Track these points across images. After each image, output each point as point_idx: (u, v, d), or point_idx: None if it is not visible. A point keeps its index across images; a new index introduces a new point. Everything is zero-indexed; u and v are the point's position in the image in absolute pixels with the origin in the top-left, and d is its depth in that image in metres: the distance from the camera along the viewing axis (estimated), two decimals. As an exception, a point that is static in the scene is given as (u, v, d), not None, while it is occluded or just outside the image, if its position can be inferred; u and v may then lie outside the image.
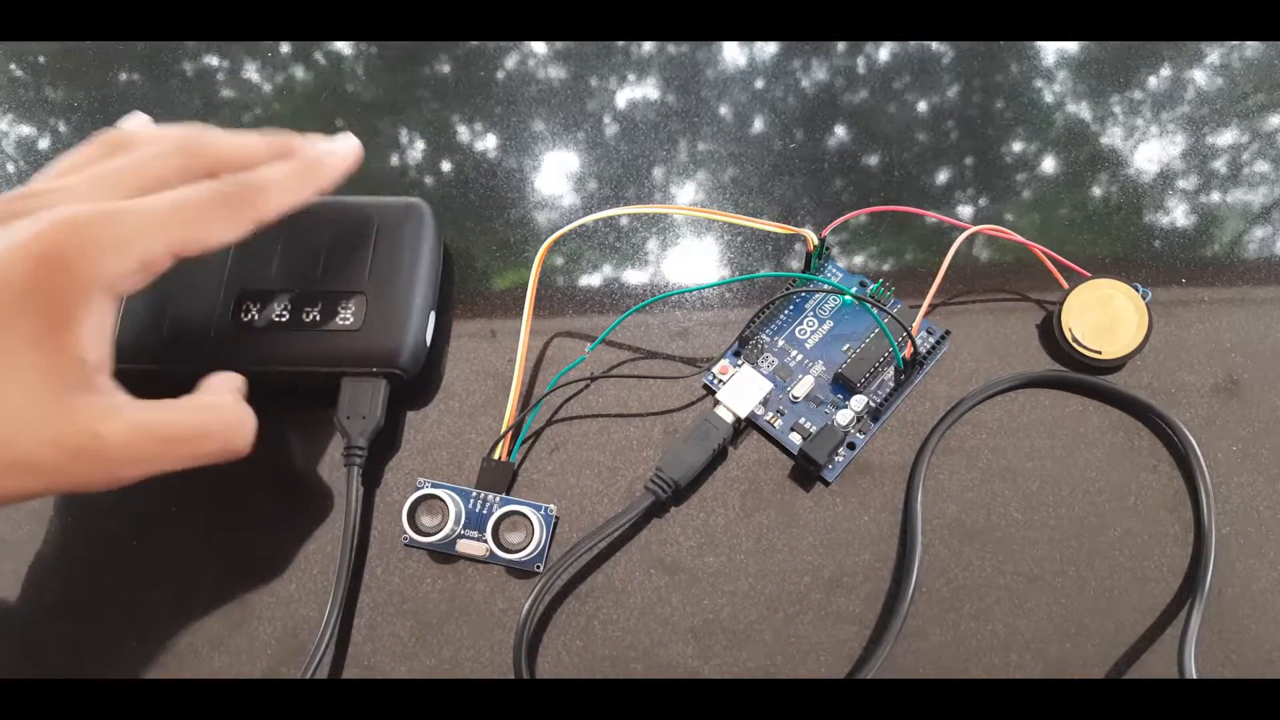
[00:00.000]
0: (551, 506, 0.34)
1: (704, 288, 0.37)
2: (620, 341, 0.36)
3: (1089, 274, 0.35)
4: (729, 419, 0.33)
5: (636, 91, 0.42)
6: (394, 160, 0.41)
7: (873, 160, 0.40)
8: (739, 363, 0.35)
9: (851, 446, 0.34)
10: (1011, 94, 0.41)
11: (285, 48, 0.43)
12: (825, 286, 0.36)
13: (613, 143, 0.41)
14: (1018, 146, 0.40)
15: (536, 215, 0.39)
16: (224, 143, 0.30)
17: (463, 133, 0.41)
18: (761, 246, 0.38)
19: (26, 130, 0.42)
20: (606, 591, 0.33)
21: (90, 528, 0.34)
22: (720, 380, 0.35)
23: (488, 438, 0.35)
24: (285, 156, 0.31)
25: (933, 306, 0.36)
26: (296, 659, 0.32)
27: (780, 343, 0.36)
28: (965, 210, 0.39)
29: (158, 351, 0.33)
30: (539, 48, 0.43)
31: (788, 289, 0.35)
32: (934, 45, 0.42)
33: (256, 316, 0.34)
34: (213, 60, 0.43)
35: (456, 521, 0.33)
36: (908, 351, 0.34)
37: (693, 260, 0.38)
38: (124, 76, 0.43)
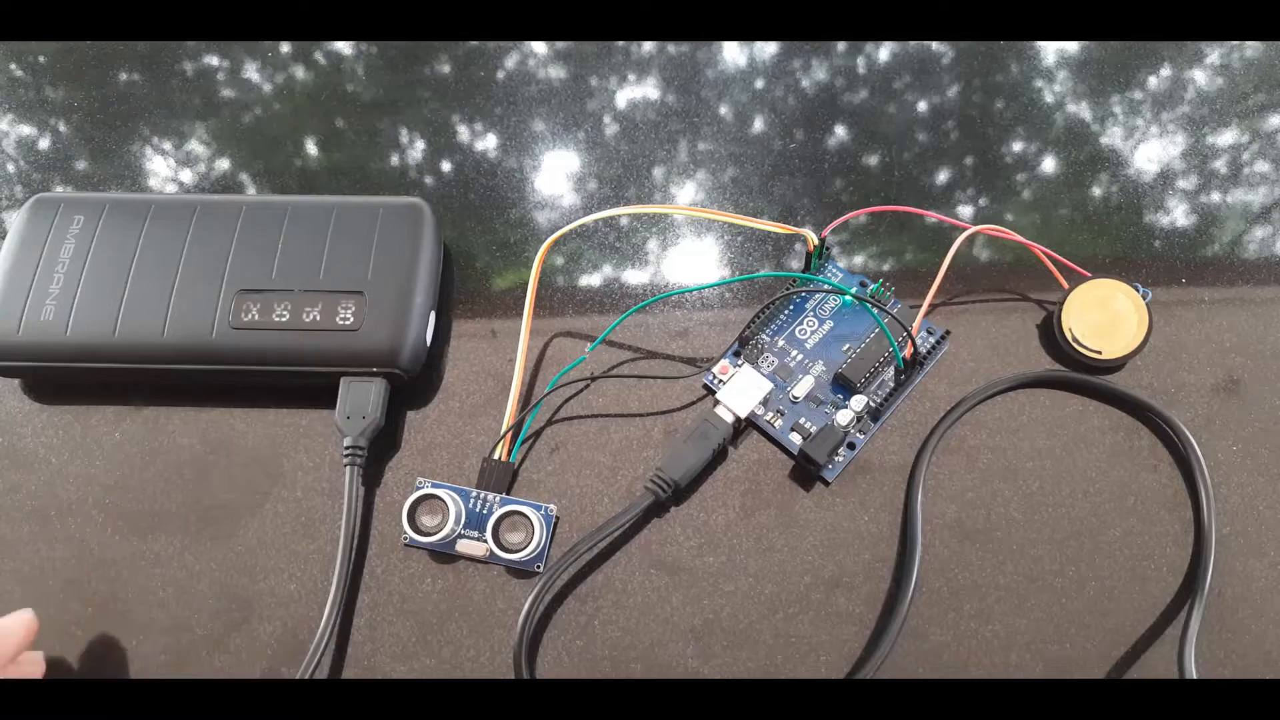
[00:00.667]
0: (551, 506, 0.34)
1: (704, 288, 0.37)
2: (620, 341, 0.36)
3: (1089, 274, 0.35)
4: (729, 419, 0.33)
5: (636, 91, 0.42)
6: (394, 160, 0.41)
7: (873, 160, 0.40)
8: (739, 363, 0.35)
9: (851, 446, 0.34)
10: (1011, 94, 0.41)
11: (285, 48, 0.43)
12: (825, 286, 0.36)
13: (613, 143, 0.41)
14: (1018, 146, 0.40)
15: (536, 215, 0.39)
16: None
17: (463, 133, 0.41)
18: (761, 246, 0.38)
19: (26, 130, 0.42)
20: (606, 591, 0.33)
21: (90, 528, 0.34)
22: (720, 380, 0.35)
23: (488, 438, 0.35)
24: None
25: (933, 306, 0.36)
26: (296, 659, 0.32)
27: (780, 343, 0.36)
28: (965, 210, 0.39)
29: (158, 351, 0.33)
30: (539, 48, 0.43)
31: (788, 289, 0.35)
32: (934, 45, 0.42)
33: (256, 316, 0.34)
34: (213, 60, 0.43)
35: (456, 521, 0.33)
36: (908, 351, 0.34)
37: (693, 260, 0.38)
38: (124, 76, 0.43)
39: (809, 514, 0.34)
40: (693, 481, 0.34)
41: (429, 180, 0.40)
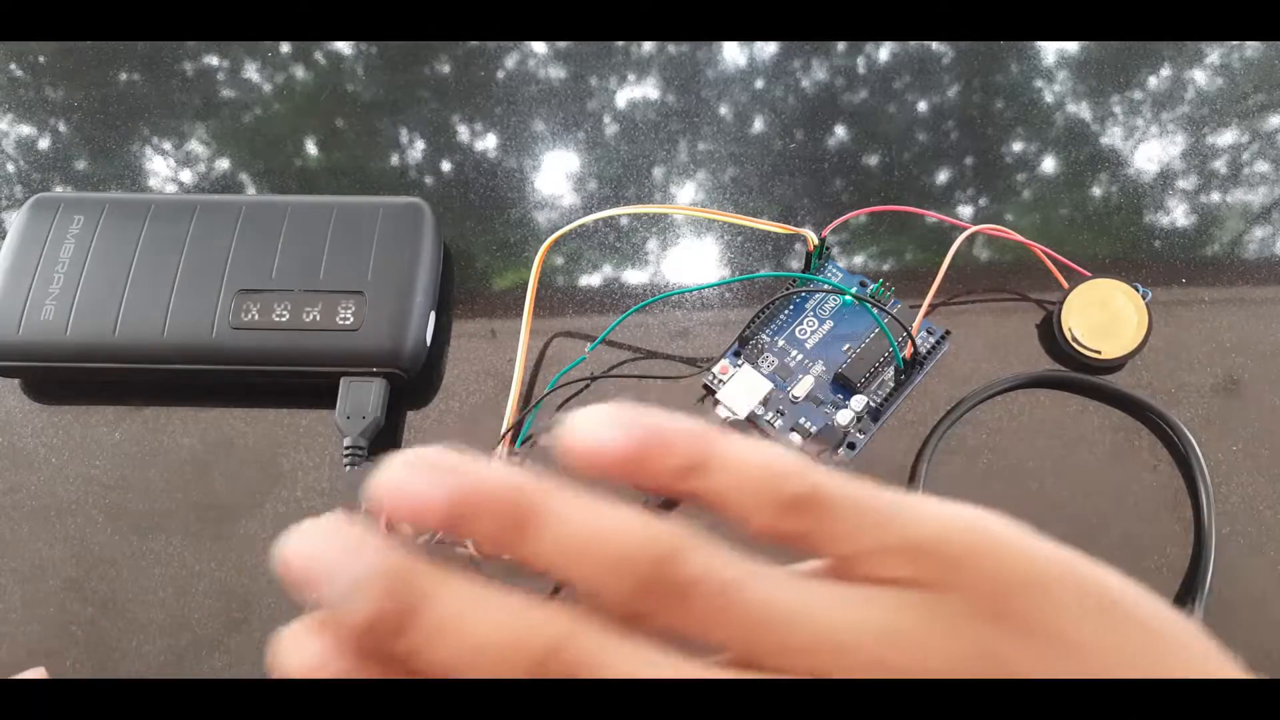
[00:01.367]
0: (551, 506, 0.34)
1: (704, 288, 0.37)
2: (620, 341, 0.36)
3: (1089, 273, 0.35)
4: (729, 419, 0.33)
5: (636, 91, 0.42)
6: (394, 160, 0.41)
7: (873, 160, 0.40)
8: (739, 363, 0.35)
9: (852, 446, 0.34)
10: (1011, 94, 0.41)
11: (285, 48, 0.43)
12: (825, 286, 0.36)
13: (613, 143, 0.41)
14: (1018, 146, 0.40)
15: (536, 215, 0.39)
16: None
17: (463, 133, 0.41)
18: (761, 246, 0.38)
19: (26, 130, 0.42)
20: (606, 591, 0.33)
21: (90, 528, 0.34)
22: (720, 380, 0.35)
23: (488, 438, 0.35)
24: None
25: (933, 306, 0.36)
26: (296, 659, 0.32)
27: (780, 343, 0.36)
28: (965, 210, 0.39)
29: (158, 351, 0.33)
30: (539, 48, 0.43)
31: (788, 289, 0.35)
32: (934, 45, 0.42)
33: (256, 316, 0.34)
34: (213, 60, 0.43)
35: (456, 521, 0.33)
36: (908, 351, 0.34)
37: (693, 260, 0.38)
38: (124, 76, 0.43)
39: (809, 514, 0.34)
40: (693, 481, 0.34)
41: (429, 180, 0.40)
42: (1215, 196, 0.38)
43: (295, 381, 0.34)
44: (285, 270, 0.34)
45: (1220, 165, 0.39)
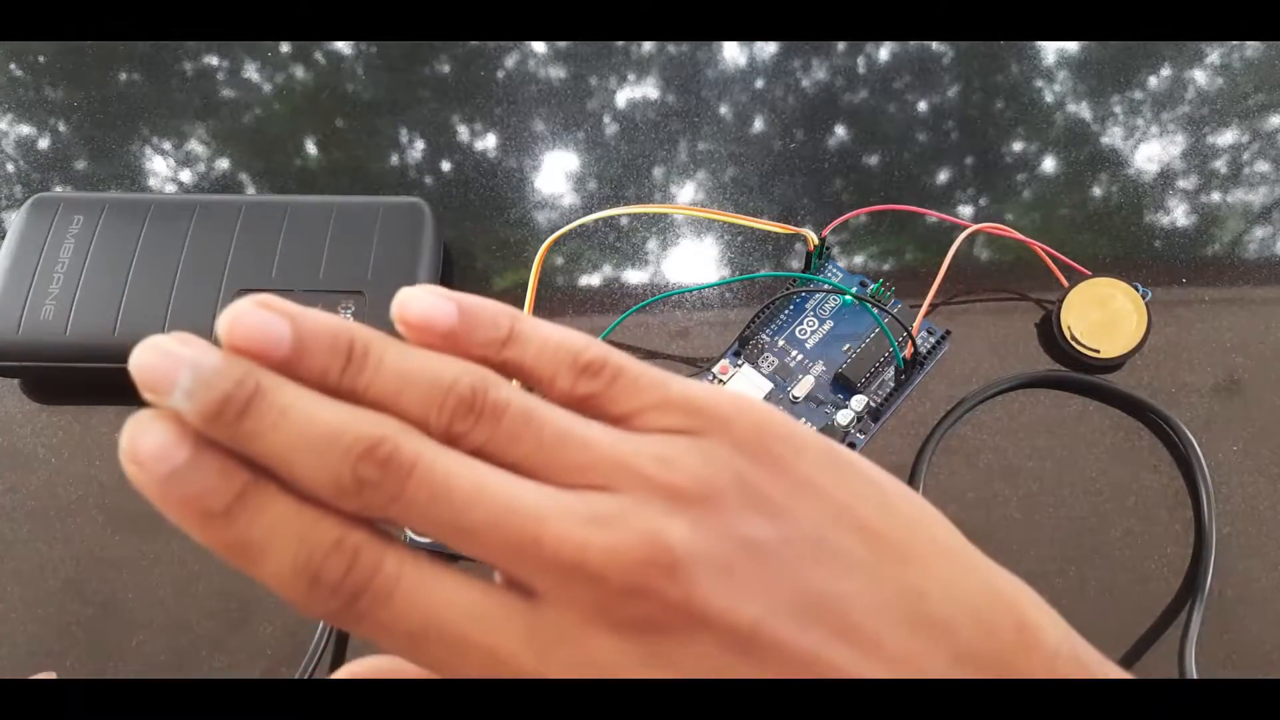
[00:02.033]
0: (551, 506, 0.34)
1: (704, 288, 0.37)
2: (620, 341, 0.36)
3: (1089, 272, 0.35)
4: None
5: (636, 91, 0.42)
6: (394, 160, 0.41)
7: (873, 160, 0.40)
8: (739, 363, 0.35)
9: (852, 446, 0.34)
10: (1011, 94, 0.41)
11: (285, 48, 0.43)
12: (825, 286, 0.36)
13: (613, 143, 0.41)
14: (1018, 146, 0.40)
15: (536, 215, 0.39)
16: None
17: (463, 133, 0.41)
18: (761, 246, 0.38)
19: (26, 130, 0.42)
20: (606, 591, 0.33)
21: (90, 528, 0.34)
22: (720, 380, 0.35)
23: (488, 438, 0.35)
24: None
25: (933, 306, 0.36)
26: (296, 659, 0.32)
27: (780, 343, 0.36)
28: (965, 210, 0.39)
29: (158, 351, 0.33)
30: (539, 48, 0.43)
31: (788, 289, 0.35)
32: (934, 45, 0.42)
33: (256, 316, 0.34)
34: (213, 60, 0.43)
35: (456, 521, 0.33)
36: (908, 351, 0.34)
37: (693, 260, 0.38)
38: (124, 76, 0.43)
39: (809, 514, 0.34)
40: (693, 481, 0.34)
41: (429, 180, 0.40)
42: (1215, 196, 0.38)
43: (295, 381, 0.34)
44: (285, 270, 0.34)
45: (1220, 165, 0.39)
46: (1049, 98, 0.41)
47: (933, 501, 0.35)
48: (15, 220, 0.36)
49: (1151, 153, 0.39)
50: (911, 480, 0.33)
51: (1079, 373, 0.35)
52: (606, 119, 0.41)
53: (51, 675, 0.30)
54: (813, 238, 0.34)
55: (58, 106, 0.43)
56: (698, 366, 0.36)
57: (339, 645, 0.32)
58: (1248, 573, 0.32)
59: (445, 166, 0.41)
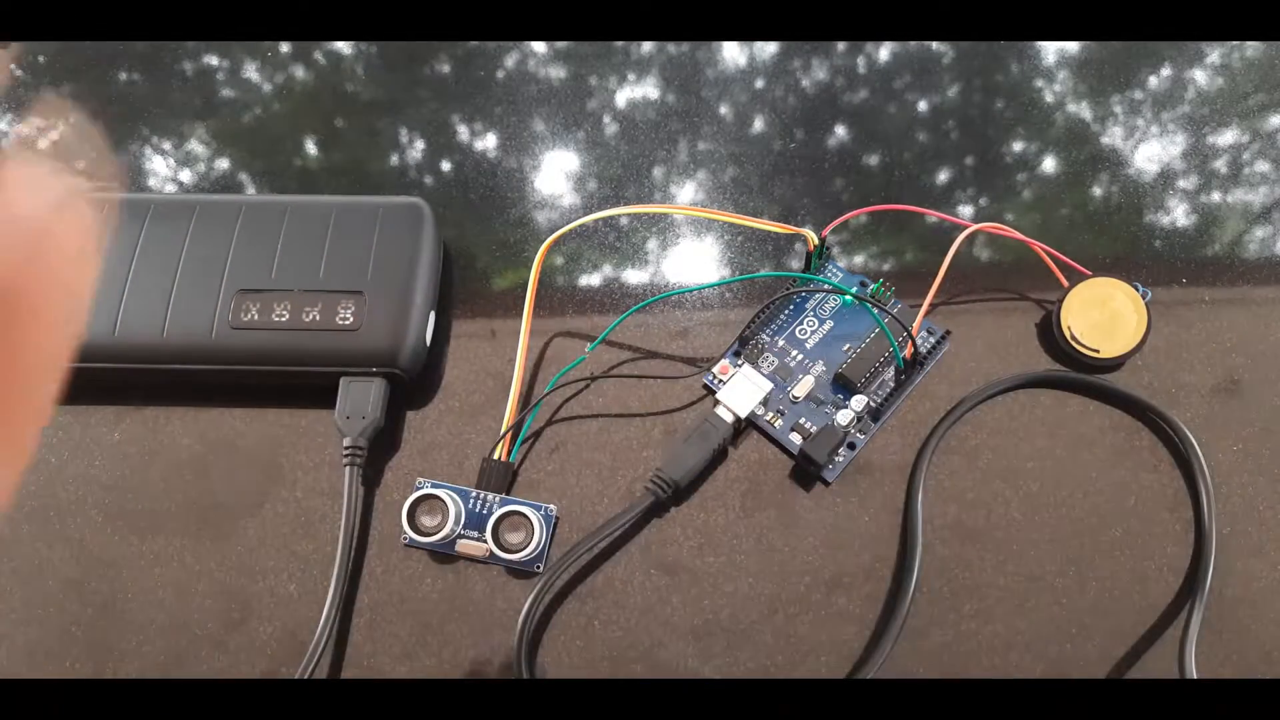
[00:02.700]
0: (551, 506, 0.34)
1: (704, 288, 0.37)
2: (620, 341, 0.36)
3: (1089, 272, 0.35)
4: (729, 419, 0.33)
5: (636, 91, 0.42)
6: (394, 160, 0.41)
7: (873, 160, 0.40)
8: (739, 363, 0.35)
9: (852, 446, 0.34)
10: (1011, 94, 0.41)
11: (285, 48, 0.43)
12: (825, 286, 0.36)
13: (613, 143, 0.41)
14: (1018, 146, 0.40)
15: (536, 215, 0.39)
16: None
17: (463, 133, 0.41)
18: (761, 246, 0.38)
19: (26, 130, 0.42)
20: (606, 591, 0.33)
21: (90, 528, 0.34)
22: (720, 380, 0.35)
23: (488, 438, 0.35)
24: None
25: (933, 306, 0.36)
26: (296, 659, 0.32)
27: (780, 343, 0.36)
28: (965, 210, 0.39)
29: (158, 351, 0.33)
30: (539, 48, 0.43)
31: (788, 289, 0.35)
32: (934, 45, 0.42)
33: (256, 316, 0.34)
34: (213, 60, 0.43)
35: (456, 521, 0.33)
36: (908, 351, 0.34)
37: (693, 260, 0.38)
38: (124, 76, 0.43)
39: (809, 514, 0.34)
40: (693, 482, 0.34)
41: (429, 180, 0.40)
42: (1215, 196, 0.38)
43: (295, 381, 0.34)
44: (285, 270, 0.34)
45: (1220, 165, 0.39)
46: (1049, 98, 0.41)
47: (933, 502, 0.35)
48: (15, 220, 0.36)
49: (1151, 153, 0.39)
50: (911, 480, 0.33)
51: (1079, 373, 0.35)
52: (606, 119, 0.41)
53: None
54: (813, 238, 0.34)
55: (58, 106, 0.43)
56: (698, 366, 0.36)
57: (339, 645, 0.32)
58: (1248, 573, 0.32)
59: (445, 166, 0.41)
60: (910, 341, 0.33)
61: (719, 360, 0.35)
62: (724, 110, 0.41)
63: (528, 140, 0.41)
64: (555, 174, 0.40)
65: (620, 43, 0.43)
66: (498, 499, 0.34)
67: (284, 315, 0.34)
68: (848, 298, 0.36)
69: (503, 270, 0.38)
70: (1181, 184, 0.39)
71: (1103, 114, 0.40)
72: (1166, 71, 0.41)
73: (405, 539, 0.33)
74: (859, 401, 0.34)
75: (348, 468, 0.33)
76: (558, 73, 0.42)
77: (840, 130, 0.40)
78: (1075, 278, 0.35)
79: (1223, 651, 0.31)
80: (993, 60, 0.42)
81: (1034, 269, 0.36)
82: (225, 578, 0.33)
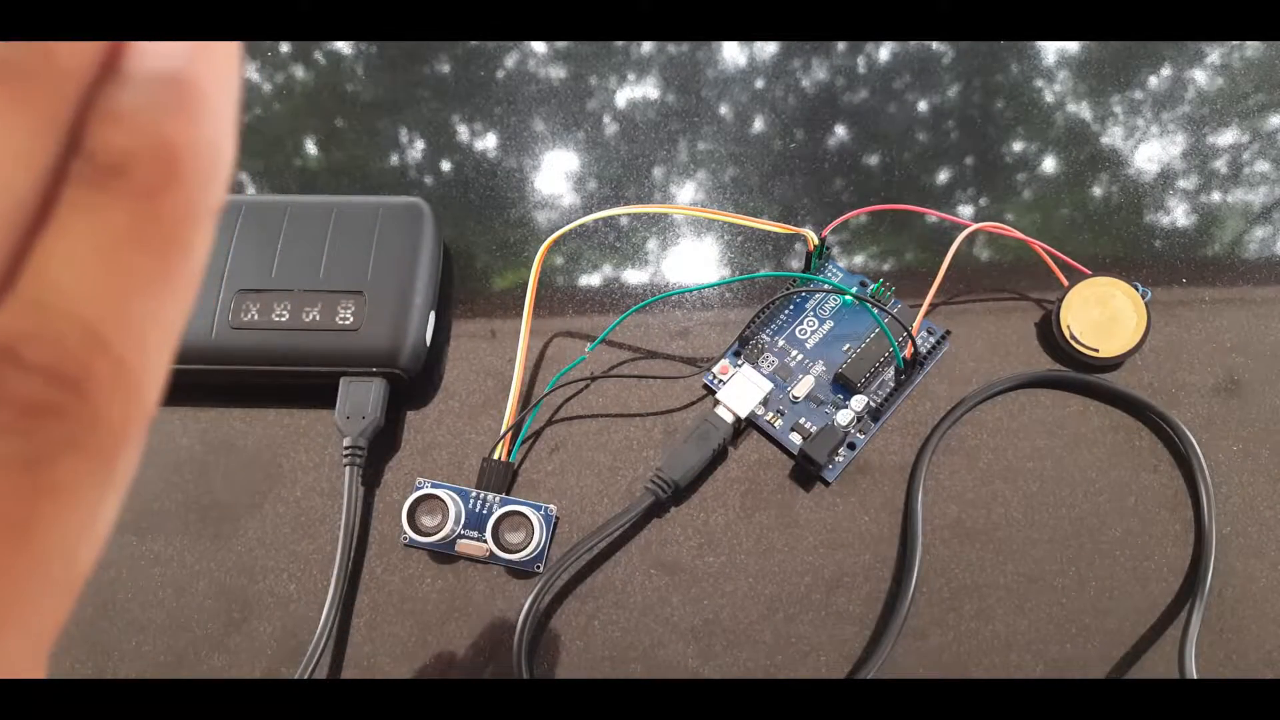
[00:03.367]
0: (551, 506, 0.34)
1: (704, 288, 0.37)
2: (620, 341, 0.36)
3: (1089, 272, 0.35)
4: (729, 419, 0.33)
5: (636, 91, 0.42)
6: (394, 160, 0.41)
7: (873, 160, 0.40)
8: (739, 363, 0.35)
9: (852, 446, 0.34)
10: (1011, 94, 0.41)
11: (285, 48, 0.43)
12: (825, 286, 0.36)
13: (613, 143, 0.41)
14: (1018, 146, 0.40)
15: (536, 215, 0.39)
16: None
17: (463, 133, 0.41)
18: (761, 246, 0.38)
19: None
20: (606, 591, 0.33)
21: (90, 528, 0.34)
22: (720, 380, 0.35)
23: (488, 438, 0.35)
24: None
25: (933, 306, 0.36)
26: (296, 659, 0.32)
27: (780, 343, 0.36)
28: (966, 210, 0.39)
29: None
30: (539, 48, 0.43)
31: (788, 289, 0.35)
32: (934, 45, 0.42)
33: (256, 316, 0.34)
34: (213, 60, 0.43)
35: (456, 521, 0.33)
36: (908, 351, 0.34)
37: (693, 260, 0.38)
38: (124, 76, 0.43)
39: (809, 514, 0.34)
40: (693, 481, 0.34)
41: (429, 180, 0.40)
42: (1215, 196, 0.38)
43: (295, 381, 0.34)
44: (285, 270, 0.34)
45: (1220, 165, 0.39)
46: (1049, 98, 0.41)
47: (933, 502, 0.35)
48: (15, 220, 0.36)
49: (1151, 153, 0.39)
50: (911, 480, 0.33)
51: (1079, 372, 0.35)
52: (606, 119, 0.41)
53: None
54: (813, 238, 0.34)
55: (58, 106, 0.43)
56: (698, 366, 0.36)
57: (339, 645, 0.32)
58: (1248, 573, 0.32)
59: (445, 166, 0.41)
60: (910, 341, 0.33)
61: (719, 360, 0.35)
62: (724, 110, 0.41)
63: (528, 140, 0.41)
64: (555, 174, 0.40)
65: (620, 43, 0.43)
66: (498, 499, 0.34)
67: (284, 315, 0.34)
68: (848, 298, 0.36)
69: (503, 270, 0.38)
70: (1181, 184, 0.39)
71: (1103, 114, 0.40)
72: (1166, 71, 0.41)
73: (405, 539, 0.33)
74: (859, 401, 0.34)
75: (348, 468, 0.33)
76: (558, 73, 0.42)
77: (840, 130, 0.40)
78: (1075, 277, 0.35)
79: (1223, 651, 0.31)
80: (993, 60, 0.42)
81: (1034, 269, 0.36)
82: (225, 578, 0.33)
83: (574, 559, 0.31)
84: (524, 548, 0.32)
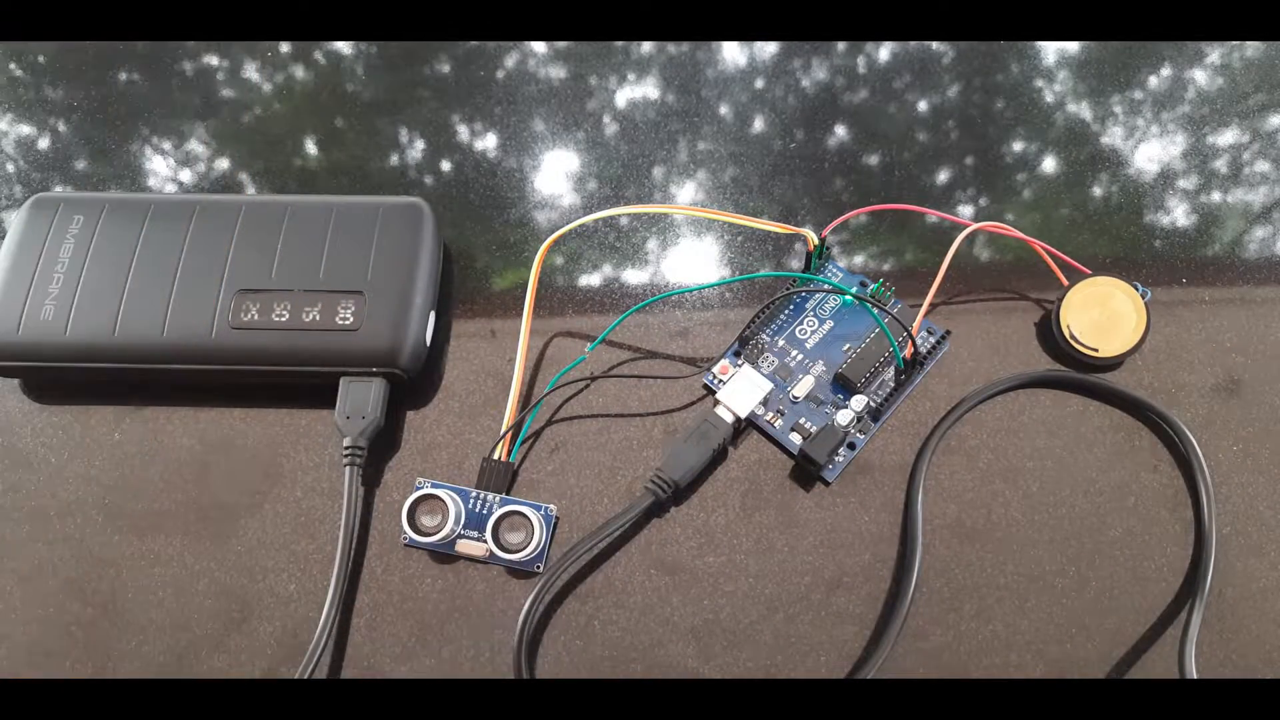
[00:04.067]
0: (551, 506, 0.34)
1: (704, 288, 0.37)
2: (620, 341, 0.36)
3: (1089, 272, 0.35)
4: (729, 419, 0.33)
5: (636, 91, 0.42)
6: (394, 160, 0.41)
7: (873, 160, 0.40)
8: (739, 363, 0.35)
9: (852, 446, 0.34)
10: (1011, 94, 0.41)
11: (285, 48, 0.43)
12: (825, 286, 0.36)
13: (613, 143, 0.41)
14: (1018, 146, 0.40)
15: (536, 215, 0.39)
16: None
17: (463, 133, 0.41)
18: (761, 246, 0.38)
19: (26, 130, 0.42)
20: (606, 591, 0.33)
21: (90, 528, 0.34)
22: (720, 380, 0.35)
23: (488, 438, 0.35)
24: None
25: (933, 306, 0.36)
26: (296, 659, 0.32)
27: (780, 343, 0.36)
28: (966, 210, 0.39)
29: (157, 351, 0.33)
30: (539, 48, 0.43)
31: (788, 289, 0.35)
32: (934, 45, 0.42)
33: (256, 316, 0.34)
34: (213, 60, 0.43)
35: (456, 521, 0.33)
36: (908, 351, 0.34)
37: (693, 260, 0.38)
38: (124, 76, 0.43)
39: (809, 514, 0.34)
40: (693, 481, 0.34)
41: (429, 180, 0.40)
42: (1215, 196, 0.38)
43: (295, 381, 0.34)
44: (285, 270, 0.34)
45: (1220, 165, 0.39)
46: (1049, 98, 0.41)
47: (933, 502, 0.35)
48: (15, 220, 0.36)
49: (1151, 153, 0.39)
50: (911, 480, 0.33)
51: (1079, 372, 0.35)
52: (606, 119, 0.41)
53: None
54: (813, 238, 0.34)
55: (58, 106, 0.43)
56: (698, 366, 0.36)
57: (339, 645, 0.32)
58: (1248, 573, 0.32)
59: (445, 166, 0.41)
60: (910, 341, 0.33)
61: (719, 360, 0.35)
62: (724, 110, 0.41)
63: (528, 140, 0.41)
64: (555, 174, 0.40)
65: (620, 43, 0.43)
66: (498, 499, 0.34)
67: (284, 315, 0.34)
68: (848, 298, 0.36)
69: (503, 270, 0.38)
70: (1181, 184, 0.39)
71: (1103, 114, 0.40)
72: (1166, 71, 0.41)
73: (405, 539, 0.33)
74: (859, 401, 0.34)
75: (348, 468, 0.33)
76: (558, 73, 0.42)
77: (840, 130, 0.40)
78: (1075, 277, 0.35)
79: (1223, 651, 0.31)
80: (993, 60, 0.42)
81: (1034, 269, 0.36)
82: (225, 578, 0.33)
83: (574, 559, 0.31)
84: (524, 548, 0.32)
